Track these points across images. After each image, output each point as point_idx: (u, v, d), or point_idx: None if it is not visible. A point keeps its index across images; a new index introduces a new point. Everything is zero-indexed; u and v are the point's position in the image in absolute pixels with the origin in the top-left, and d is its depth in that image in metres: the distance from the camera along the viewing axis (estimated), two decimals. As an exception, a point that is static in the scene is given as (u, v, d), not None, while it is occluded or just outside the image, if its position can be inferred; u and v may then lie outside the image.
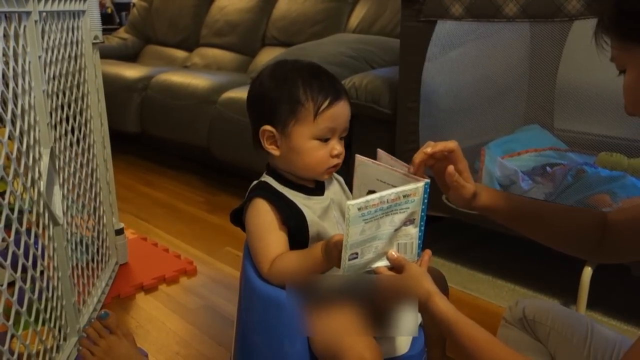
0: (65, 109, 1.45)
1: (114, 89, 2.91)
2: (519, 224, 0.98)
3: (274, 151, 0.97)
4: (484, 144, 1.77)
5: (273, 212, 0.96)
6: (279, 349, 0.94)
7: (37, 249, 1.16)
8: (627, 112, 0.73)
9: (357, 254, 0.82)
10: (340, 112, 0.95)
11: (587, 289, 1.41)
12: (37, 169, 1.19)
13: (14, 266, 1.04)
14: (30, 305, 1.12)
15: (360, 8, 2.94)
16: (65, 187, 1.40)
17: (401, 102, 1.81)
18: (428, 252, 0.88)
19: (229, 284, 1.81)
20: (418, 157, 0.89)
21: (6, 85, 1.04)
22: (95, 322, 1.30)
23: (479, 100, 1.87)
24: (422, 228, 0.86)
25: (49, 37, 1.31)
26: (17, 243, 1.04)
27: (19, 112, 1.08)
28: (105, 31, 2.93)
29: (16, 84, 1.08)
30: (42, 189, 1.19)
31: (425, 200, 0.84)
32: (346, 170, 1.03)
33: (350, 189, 0.99)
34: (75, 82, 1.54)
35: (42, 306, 1.18)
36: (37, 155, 1.20)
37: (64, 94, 1.44)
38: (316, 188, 1.02)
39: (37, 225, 1.18)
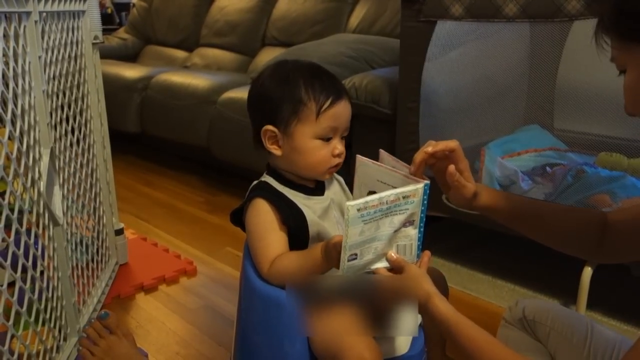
0: (65, 109, 1.45)
1: (114, 89, 2.91)
2: (519, 224, 0.98)
3: (276, 151, 0.97)
4: (484, 144, 1.77)
5: (273, 212, 0.96)
6: (279, 349, 0.94)
7: (37, 249, 1.16)
8: (627, 112, 0.73)
9: (356, 255, 0.82)
10: (342, 111, 0.96)
11: (587, 289, 1.41)
12: (37, 169, 1.19)
13: (14, 266, 1.04)
14: (30, 306, 1.12)
15: (360, 8, 2.94)
16: (65, 187, 1.40)
17: (401, 102, 1.81)
18: (427, 253, 0.88)
19: (229, 284, 1.81)
20: (419, 156, 0.89)
21: (6, 85, 1.04)
22: (95, 322, 1.30)
23: (479, 100, 1.87)
24: (422, 229, 0.86)
25: (49, 37, 1.31)
26: (17, 243, 1.04)
27: (19, 112, 1.08)
28: (105, 31, 2.93)
29: (16, 84, 1.08)
30: (42, 189, 1.19)
31: (425, 202, 0.84)
32: (346, 171, 1.03)
33: (351, 189, 1.00)
34: (75, 83, 1.54)
35: (42, 306, 1.18)
36: (37, 156, 1.20)
37: (64, 94, 1.44)
38: (316, 188, 1.02)
39: (37, 226, 1.18)
